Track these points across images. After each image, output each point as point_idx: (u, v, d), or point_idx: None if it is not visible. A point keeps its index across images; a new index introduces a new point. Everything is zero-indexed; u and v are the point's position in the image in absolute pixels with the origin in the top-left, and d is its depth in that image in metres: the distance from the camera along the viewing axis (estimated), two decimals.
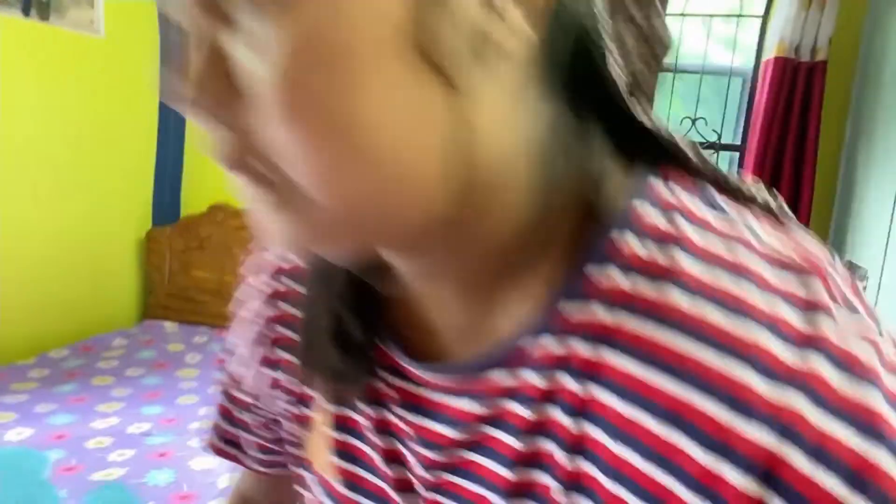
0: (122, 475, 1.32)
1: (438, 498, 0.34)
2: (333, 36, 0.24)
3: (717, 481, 0.24)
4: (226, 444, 0.50)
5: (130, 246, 2.47)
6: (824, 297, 0.25)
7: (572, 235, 0.30)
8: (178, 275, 2.45)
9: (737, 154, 2.24)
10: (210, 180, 2.52)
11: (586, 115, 0.29)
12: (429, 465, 0.34)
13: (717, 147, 2.20)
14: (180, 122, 2.47)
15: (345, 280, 0.36)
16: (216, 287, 2.42)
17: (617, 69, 0.27)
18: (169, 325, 2.35)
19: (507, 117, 0.27)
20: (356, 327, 0.36)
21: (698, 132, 2.19)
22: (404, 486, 0.36)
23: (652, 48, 0.29)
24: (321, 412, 0.40)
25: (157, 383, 1.89)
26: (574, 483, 0.28)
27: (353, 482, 0.38)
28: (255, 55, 0.24)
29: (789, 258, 0.26)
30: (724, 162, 2.27)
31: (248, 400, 0.46)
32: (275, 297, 0.43)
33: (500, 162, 0.28)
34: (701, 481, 0.24)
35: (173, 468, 1.38)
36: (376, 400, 0.37)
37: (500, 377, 0.31)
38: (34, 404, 1.66)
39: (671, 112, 2.23)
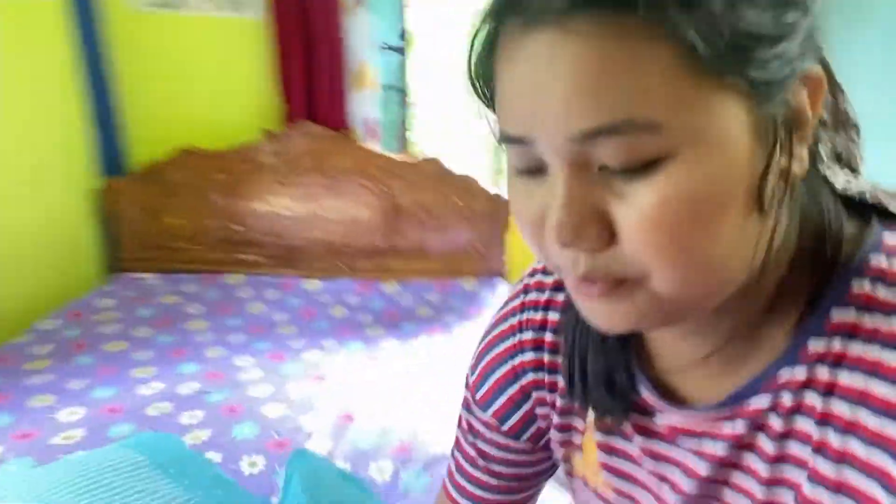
0: (208, 437, 1.37)
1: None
2: (704, 191, 0.33)
3: None
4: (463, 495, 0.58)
5: (82, 201, 2.29)
6: None
7: (817, 286, 0.40)
8: (148, 224, 2.33)
9: None
10: (158, 129, 2.35)
11: (826, 197, 0.41)
12: (697, 480, 0.45)
13: None
14: (101, 67, 2.24)
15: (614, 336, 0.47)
16: (191, 233, 2.34)
17: (835, 173, 0.41)
18: (148, 277, 2.27)
19: (791, 216, 0.40)
20: (622, 375, 0.47)
21: None
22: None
23: (850, 135, 0.43)
24: (590, 437, 0.50)
25: (173, 340, 1.88)
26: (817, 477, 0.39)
27: (627, 497, 0.50)
28: (627, 209, 0.34)
29: None
30: None
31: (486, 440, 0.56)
32: (543, 325, 0.53)
33: (782, 244, 0.39)
34: None
35: (251, 420, 1.44)
36: (640, 431, 0.48)
37: (759, 402, 0.41)
38: (66, 381, 1.61)
39: None
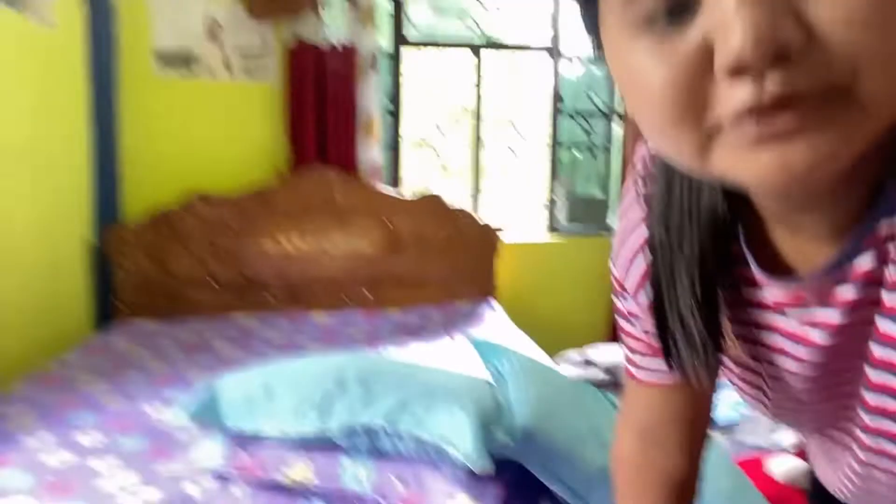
0: None
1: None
2: None
3: None
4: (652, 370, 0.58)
5: (82, 250, 2.33)
6: None
7: None
8: (153, 271, 2.39)
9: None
10: (149, 180, 2.48)
11: None
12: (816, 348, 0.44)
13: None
14: (111, 123, 2.40)
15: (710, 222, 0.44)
16: (199, 279, 2.42)
17: None
18: (151, 324, 2.29)
19: None
20: (727, 248, 0.45)
21: (593, 104, 2.90)
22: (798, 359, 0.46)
23: None
24: (726, 317, 0.49)
25: (208, 363, 1.95)
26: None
27: (767, 362, 0.50)
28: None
29: None
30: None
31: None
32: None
33: None
34: None
35: None
36: (756, 305, 0.47)
37: (865, 260, 0.39)
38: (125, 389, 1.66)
39: None
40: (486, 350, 1.22)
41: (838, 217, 0.39)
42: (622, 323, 0.60)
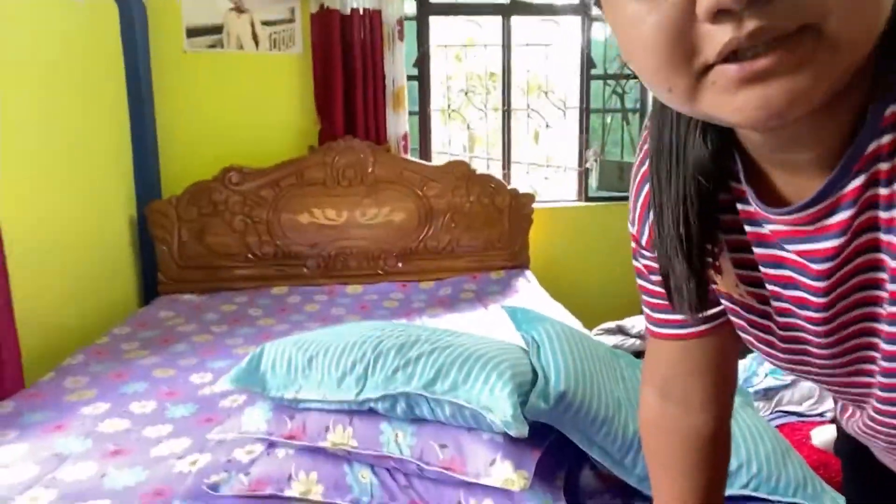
0: None
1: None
2: None
3: None
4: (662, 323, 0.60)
5: (125, 225, 2.41)
6: None
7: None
8: (191, 244, 2.46)
9: None
10: (184, 154, 2.53)
11: None
12: (820, 274, 0.44)
13: None
14: (147, 100, 2.44)
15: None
16: (235, 251, 2.48)
17: None
18: (191, 297, 2.36)
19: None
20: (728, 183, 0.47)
21: (627, 67, 2.83)
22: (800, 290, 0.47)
23: None
24: (724, 257, 0.51)
25: (252, 331, 2.01)
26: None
27: (761, 299, 0.51)
28: None
29: None
30: None
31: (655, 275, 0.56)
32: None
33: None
34: None
35: None
36: (761, 243, 0.48)
37: (857, 181, 0.40)
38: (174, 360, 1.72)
39: None
40: (519, 317, 1.23)
41: (825, 150, 0.41)
42: (640, 282, 0.61)
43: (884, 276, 0.42)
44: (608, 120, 2.95)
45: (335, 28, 2.44)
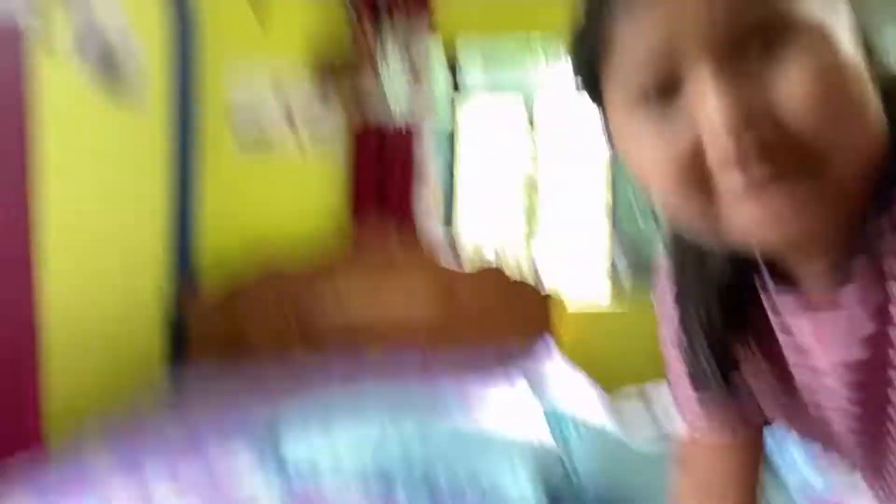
0: None
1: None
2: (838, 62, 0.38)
3: None
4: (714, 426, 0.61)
5: (156, 321, 2.46)
6: None
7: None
8: (224, 340, 2.49)
9: None
10: (222, 245, 2.64)
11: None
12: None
13: None
14: (190, 198, 2.58)
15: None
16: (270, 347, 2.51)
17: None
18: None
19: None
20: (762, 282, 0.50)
21: None
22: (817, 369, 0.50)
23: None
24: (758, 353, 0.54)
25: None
26: None
27: (795, 386, 0.52)
28: (786, 83, 0.37)
29: None
30: None
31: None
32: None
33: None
34: None
35: None
36: (782, 329, 0.51)
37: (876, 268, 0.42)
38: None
39: None
40: (553, 417, 1.19)
41: (833, 259, 0.44)
42: (677, 393, 0.64)
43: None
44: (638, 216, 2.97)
45: (374, 142, 2.59)
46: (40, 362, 1.55)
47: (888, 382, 0.44)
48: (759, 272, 0.50)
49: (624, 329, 2.75)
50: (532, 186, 2.91)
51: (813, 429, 0.55)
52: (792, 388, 0.54)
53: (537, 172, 2.90)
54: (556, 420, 1.23)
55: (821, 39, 0.37)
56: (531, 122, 2.91)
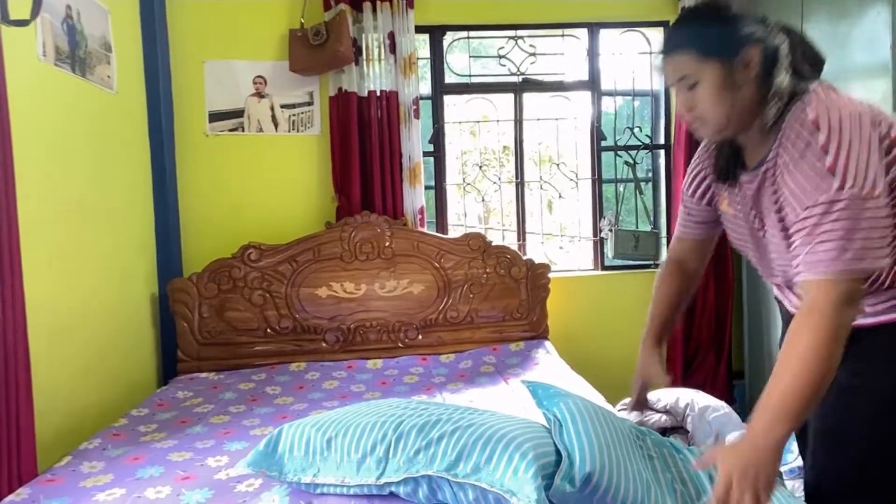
0: None
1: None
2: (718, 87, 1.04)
3: None
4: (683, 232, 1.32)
5: (145, 304, 2.44)
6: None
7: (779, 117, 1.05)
8: (211, 320, 2.47)
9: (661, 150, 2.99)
10: (204, 232, 2.61)
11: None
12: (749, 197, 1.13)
13: (650, 147, 2.92)
14: (172, 185, 2.54)
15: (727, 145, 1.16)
16: (256, 326, 2.49)
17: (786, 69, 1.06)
18: (212, 376, 2.36)
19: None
20: (733, 163, 1.15)
21: (636, 138, 2.90)
22: (749, 208, 1.14)
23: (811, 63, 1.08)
24: (723, 195, 1.21)
25: (269, 411, 1.99)
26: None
27: (740, 214, 1.16)
28: (697, 98, 1.05)
29: None
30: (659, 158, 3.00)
31: (693, 203, 1.29)
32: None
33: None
34: None
35: None
36: (736, 186, 1.16)
37: (768, 161, 1.07)
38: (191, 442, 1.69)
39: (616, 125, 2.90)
40: (540, 393, 1.20)
41: (761, 144, 1.08)
42: (682, 211, 1.32)
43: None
44: (621, 189, 2.98)
45: (352, 109, 2.54)
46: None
47: (760, 211, 1.09)
48: (739, 154, 1.13)
49: (606, 294, 2.78)
50: (516, 159, 2.89)
51: (744, 246, 1.19)
52: (740, 217, 1.16)
53: (521, 146, 2.88)
54: (543, 394, 1.24)
55: (709, 80, 1.01)
56: (517, 111, 2.87)
